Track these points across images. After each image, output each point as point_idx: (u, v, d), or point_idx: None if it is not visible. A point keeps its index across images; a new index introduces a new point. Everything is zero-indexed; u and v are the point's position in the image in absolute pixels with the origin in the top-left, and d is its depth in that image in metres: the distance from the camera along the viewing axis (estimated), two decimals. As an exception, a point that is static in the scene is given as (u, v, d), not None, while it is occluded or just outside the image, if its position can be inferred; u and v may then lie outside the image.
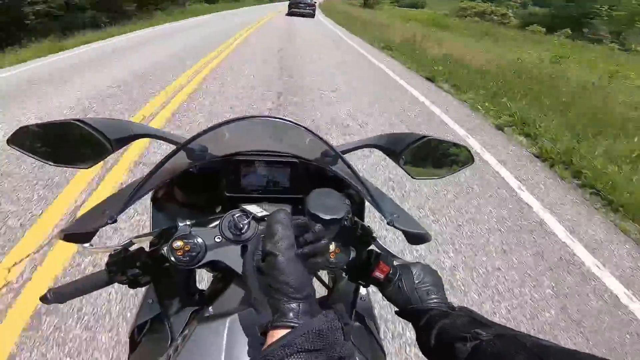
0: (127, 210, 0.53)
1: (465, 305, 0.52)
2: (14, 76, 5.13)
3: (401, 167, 0.68)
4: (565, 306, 1.91)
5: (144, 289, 0.66)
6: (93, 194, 2.35)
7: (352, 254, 0.57)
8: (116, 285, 0.56)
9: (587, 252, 2.37)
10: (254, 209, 0.56)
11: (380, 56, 9.35)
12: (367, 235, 0.58)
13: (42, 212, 2.14)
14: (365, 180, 0.60)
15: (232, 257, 0.55)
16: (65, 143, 0.60)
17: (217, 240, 0.55)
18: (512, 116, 4.72)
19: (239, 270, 0.54)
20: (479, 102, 5.40)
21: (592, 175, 3.28)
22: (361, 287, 0.67)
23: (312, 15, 20.35)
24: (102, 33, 9.75)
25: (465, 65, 7.77)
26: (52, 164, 0.60)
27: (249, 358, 0.42)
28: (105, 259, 0.55)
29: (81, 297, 0.54)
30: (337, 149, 0.59)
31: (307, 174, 0.67)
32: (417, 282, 0.55)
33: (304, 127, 0.57)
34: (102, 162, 0.70)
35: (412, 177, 0.71)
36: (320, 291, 0.56)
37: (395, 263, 0.58)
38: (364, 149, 0.74)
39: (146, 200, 0.66)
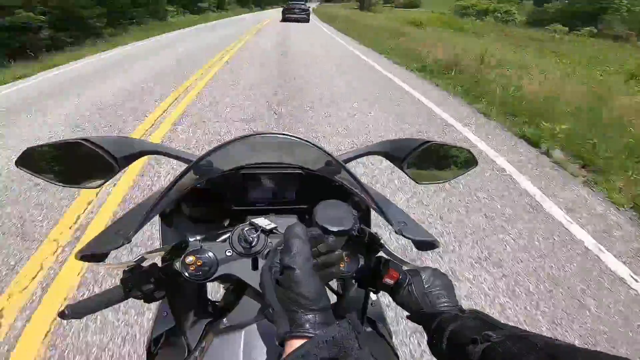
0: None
1: (476, 309, 0.52)
2: None
3: (405, 173, 0.68)
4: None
5: (157, 302, 0.68)
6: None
7: (361, 262, 0.58)
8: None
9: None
10: (262, 221, 0.58)
11: (437, 96, 5.42)
12: (375, 243, 0.58)
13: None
14: (369, 189, 0.60)
15: (243, 270, 0.56)
16: (72, 163, 0.61)
17: (228, 254, 0.56)
18: None
19: (251, 282, 0.55)
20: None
21: None
22: (371, 292, 0.67)
23: (307, 20, 20.28)
24: (61, 56, 8.32)
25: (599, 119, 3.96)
26: (61, 185, 0.62)
27: None
28: (119, 275, 0.57)
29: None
30: (339, 158, 0.60)
31: (312, 184, 0.68)
32: (427, 286, 0.55)
33: (305, 140, 0.58)
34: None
35: (416, 182, 0.71)
36: (330, 298, 0.57)
37: (404, 268, 0.58)
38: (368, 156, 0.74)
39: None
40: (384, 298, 0.78)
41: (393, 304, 0.58)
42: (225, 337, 0.48)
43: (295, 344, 0.33)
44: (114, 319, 1.60)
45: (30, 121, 4.04)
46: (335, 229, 0.45)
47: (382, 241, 0.59)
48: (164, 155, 0.71)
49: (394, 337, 1.24)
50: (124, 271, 0.57)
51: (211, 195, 0.70)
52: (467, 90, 5.54)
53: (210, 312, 0.67)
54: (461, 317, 0.49)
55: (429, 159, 0.70)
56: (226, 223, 0.75)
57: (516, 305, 1.79)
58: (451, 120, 4.36)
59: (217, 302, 0.72)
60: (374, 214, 0.71)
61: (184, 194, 0.64)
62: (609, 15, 22.48)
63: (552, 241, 2.28)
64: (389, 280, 0.56)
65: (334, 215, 0.47)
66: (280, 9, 22.70)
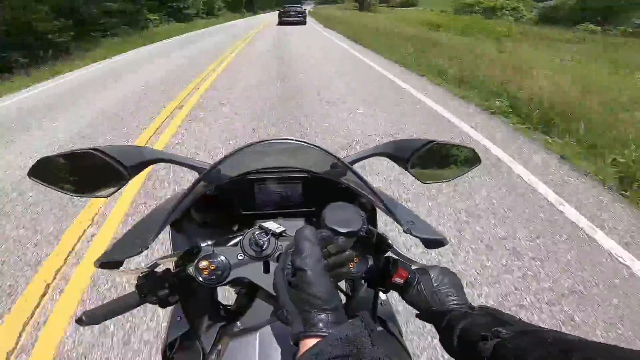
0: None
1: (486, 305, 0.52)
2: None
3: (410, 173, 0.69)
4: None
5: (170, 307, 0.69)
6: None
7: (370, 262, 0.58)
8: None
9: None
10: (271, 225, 0.59)
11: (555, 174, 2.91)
12: (383, 243, 0.59)
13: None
14: (376, 190, 0.61)
15: (255, 273, 0.57)
16: (83, 172, 0.63)
17: (240, 257, 0.57)
18: None
19: (263, 285, 0.57)
20: None
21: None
22: (380, 292, 0.68)
23: (304, 23, 20.36)
24: (17, 80, 6.90)
25: None
26: (73, 194, 0.63)
27: None
28: (134, 280, 0.58)
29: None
30: (345, 160, 0.61)
31: (318, 187, 0.69)
32: (436, 284, 0.56)
33: (311, 143, 0.59)
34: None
35: (421, 182, 0.71)
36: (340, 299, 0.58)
37: (413, 267, 0.59)
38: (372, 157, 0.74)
39: None
40: (392, 297, 0.79)
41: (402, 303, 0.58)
42: (241, 339, 0.49)
43: (309, 343, 0.34)
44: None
45: None
46: (344, 230, 0.46)
47: (389, 241, 0.59)
48: (174, 163, 0.73)
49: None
50: (139, 277, 0.58)
51: (220, 201, 0.72)
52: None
53: (223, 316, 0.68)
54: (471, 314, 0.49)
55: (433, 159, 0.70)
56: (235, 228, 0.76)
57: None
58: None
59: (229, 306, 0.73)
60: (380, 215, 0.72)
61: (195, 201, 0.65)
62: (629, 12, 19.26)
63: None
64: (398, 280, 0.57)
65: (342, 217, 0.48)
66: (273, 13, 22.74)
